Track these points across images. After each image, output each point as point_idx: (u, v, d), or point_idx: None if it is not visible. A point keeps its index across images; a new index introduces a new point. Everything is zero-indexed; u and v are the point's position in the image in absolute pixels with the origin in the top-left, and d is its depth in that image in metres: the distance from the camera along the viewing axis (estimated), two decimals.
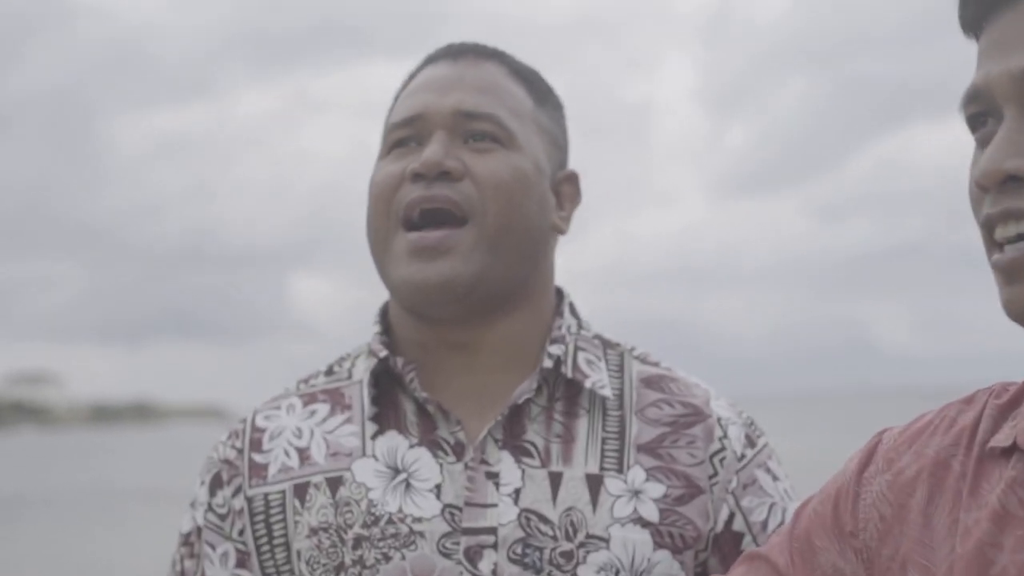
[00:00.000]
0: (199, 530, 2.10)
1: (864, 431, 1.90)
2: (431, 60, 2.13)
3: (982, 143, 1.52)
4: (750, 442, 2.07)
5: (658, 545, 1.97)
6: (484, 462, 1.98)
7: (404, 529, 1.96)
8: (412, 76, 2.15)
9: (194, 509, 2.11)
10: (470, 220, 2.00)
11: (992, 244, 1.50)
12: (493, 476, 1.98)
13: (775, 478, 2.07)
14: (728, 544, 2.02)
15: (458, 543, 1.95)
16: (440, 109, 2.04)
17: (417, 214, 2.01)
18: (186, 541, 2.11)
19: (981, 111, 1.52)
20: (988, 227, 1.50)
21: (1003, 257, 1.47)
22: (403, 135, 2.06)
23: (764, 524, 2.03)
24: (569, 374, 2.03)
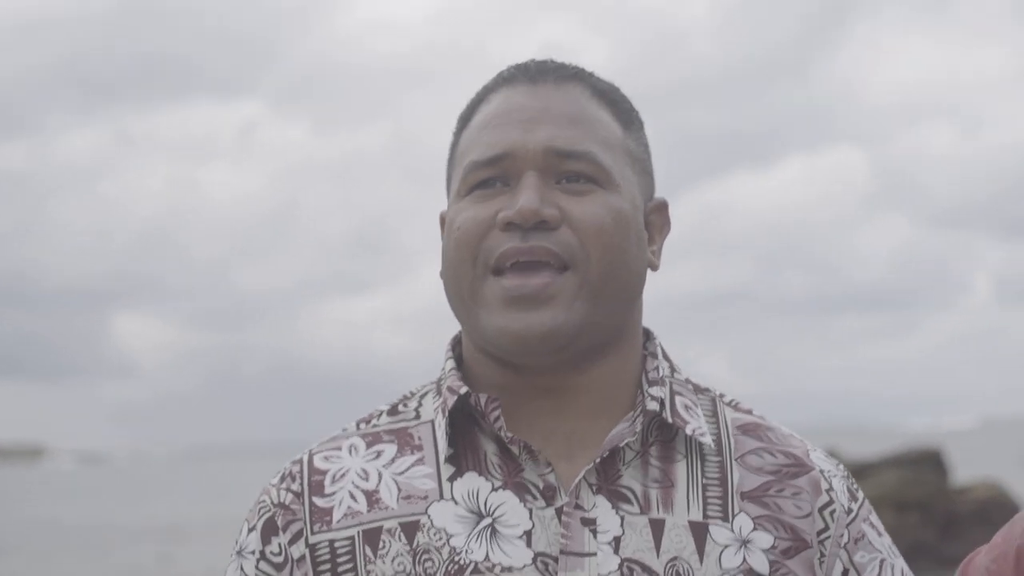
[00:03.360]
0: None
1: None
2: (506, 82, 1.96)
3: None
4: (853, 496, 1.96)
5: None
6: (579, 507, 1.83)
7: None
8: (481, 99, 1.97)
9: (242, 557, 1.92)
10: (571, 268, 1.85)
11: None
12: (590, 523, 1.83)
13: (879, 533, 1.97)
14: None
15: None
16: (530, 147, 1.88)
17: (510, 265, 1.86)
18: None
19: None
20: None
21: None
22: (487, 175, 1.89)
23: None
24: (669, 418, 1.89)
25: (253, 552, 1.91)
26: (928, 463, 21.22)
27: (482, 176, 1.89)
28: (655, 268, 1.96)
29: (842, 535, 1.91)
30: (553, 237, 1.85)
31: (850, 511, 1.93)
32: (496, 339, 1.86)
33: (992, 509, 20.22)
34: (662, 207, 1.99)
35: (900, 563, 1.96)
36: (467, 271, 1.88)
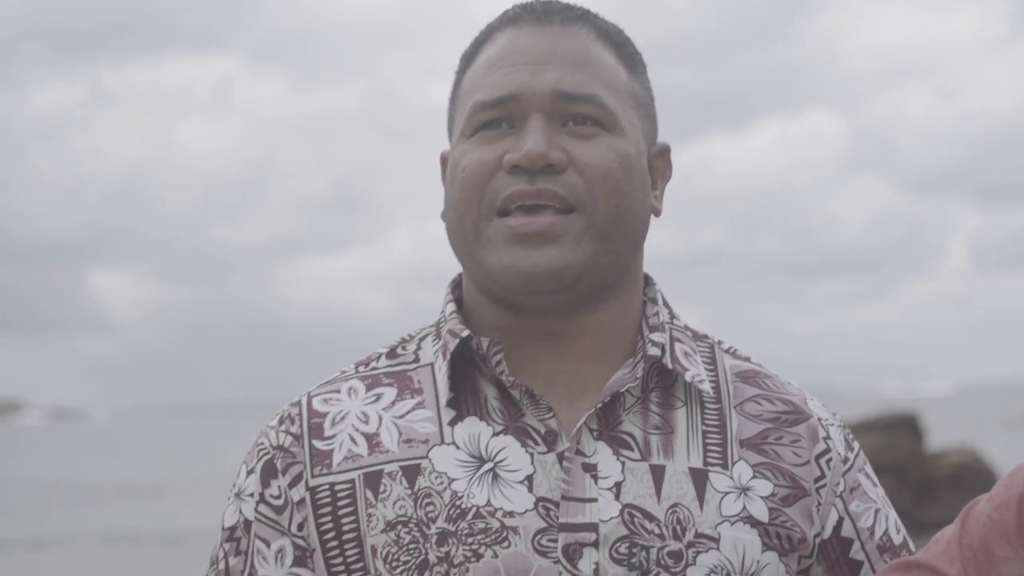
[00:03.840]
0: (247, 524, 1.89)
1: None
2: (511, 21, 1.94)
3: None
4: (849, 445, 1.96)
5: (767, 546, 1.85)
6: (580, 453, 1.84)
7: (495, 524, 1.80)
8: (486, 38, 1.96)
9: (240, 500, 1.91)
10: (577, 211, 1.85)
11: None
12: (591, 468, 1.83)
13: (874, 484, 1.98)
14: (835, 550, 1.92)
15: (555, 540, 1.80)
16: (537, 89, 1.87)
17: (515, 208, 1.85)
18: (231, 536, 1.90)
19: None
20: None
21: None
22: (493, 116, 1.88)
23: (871, 530, 1.93)
24: (669, 365, 1.89)
25: (252, 495, 1.90)
26: (903, 428, 21.29)
27: (488, 117, 1.88)
28: (658, 213, 1.95)
29: (838, 484, 1.92)
30: (559, 180, 1.85)
31: (846, 460, 1.94)
32: (502, 277, 1.85)
33: (966, 475, 20.32)
34: (665, 151, 1.98)
35: (893, 514, 1.97)
36: (472, 212, 1.87)
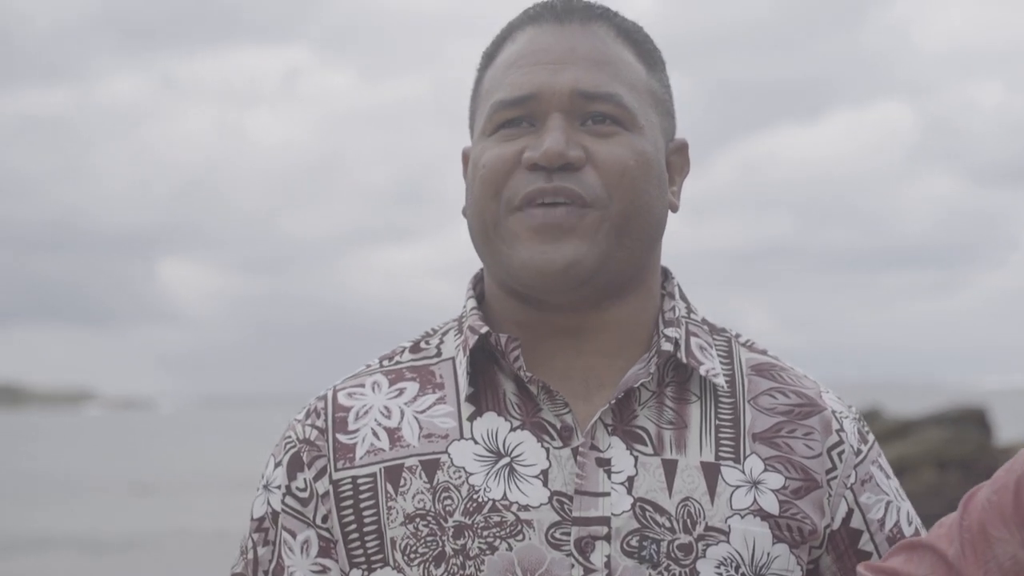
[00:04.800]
0: (275, 515, 1.94)
1: None
2: (532, 20, 1.98)
3: None
4: (863, 438, 1.99)
5: (777, 539, 1.88)
6: (594, 448, 1.87)
7: (510, 517, 1.85)
8: (506, 37, 2.00)
9: (268, 492, 1.96)
10: (592, 207, 1.88)
11: None
12: (604, 463, 1.87)
13: (887, 476, 2.00)
14: (844, 542, 1.95)
15: (568, 533, 1.84)
16: (556, 89, 1.91)
17: (534, 205, 1.89)
18: (259, 527, 1.96)
19: None
20: None
21: None
22: (513, 115, 1.92)
23: (882, 522, 1.96)
24: (684, 359, 1.93)
25: (279, 487, 1.95)
26: (971, 421, 21.16)
27: (508, 116, 1.92)
28: (675, 210, 1.99)
29: (849, 475, 1.94)
30: (577, 178, 1.88)
31: (859, 452, 1.97)
32: (519, 272, 1.89)
33: None
34: (682, 148, 2.01)
35: (906, 506, 2.00)
36: (492, 207, 1.91)
